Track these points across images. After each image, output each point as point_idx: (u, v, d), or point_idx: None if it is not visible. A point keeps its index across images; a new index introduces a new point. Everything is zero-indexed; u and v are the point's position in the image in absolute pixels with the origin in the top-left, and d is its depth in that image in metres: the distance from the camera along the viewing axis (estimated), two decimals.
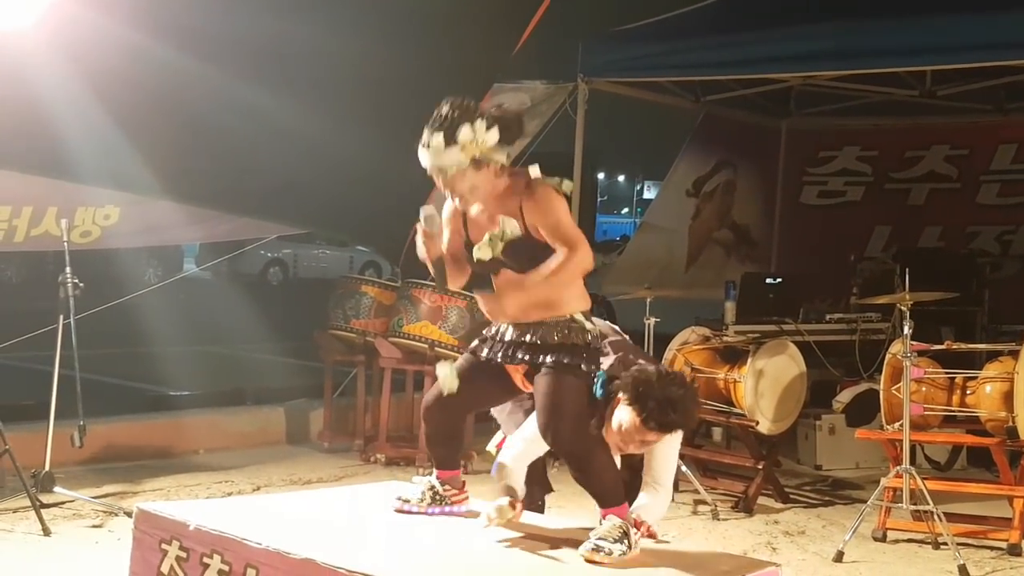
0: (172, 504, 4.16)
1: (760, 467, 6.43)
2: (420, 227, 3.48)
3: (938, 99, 9.27)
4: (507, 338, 3.56)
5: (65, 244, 5.84)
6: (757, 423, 6.41)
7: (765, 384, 6.44)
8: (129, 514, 5.02)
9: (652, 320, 6.61)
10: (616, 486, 3.55)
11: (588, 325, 3.55)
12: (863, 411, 7.10)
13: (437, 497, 3.78)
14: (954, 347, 5.90)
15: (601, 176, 29.49)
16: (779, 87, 9.60)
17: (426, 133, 3.37)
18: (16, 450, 5.38)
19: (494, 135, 3.36)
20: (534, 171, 3.42)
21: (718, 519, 6.12)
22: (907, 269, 5.72)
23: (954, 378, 5.90)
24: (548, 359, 3.47)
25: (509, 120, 3.43)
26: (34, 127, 5.97)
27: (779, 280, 8.36)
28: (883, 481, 5.66)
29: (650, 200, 30.67)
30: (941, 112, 9.81)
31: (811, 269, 9.22)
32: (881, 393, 5.92)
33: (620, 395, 3.73)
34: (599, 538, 3.37)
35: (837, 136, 10.73)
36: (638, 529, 3.52)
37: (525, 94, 8.37)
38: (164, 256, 19.19)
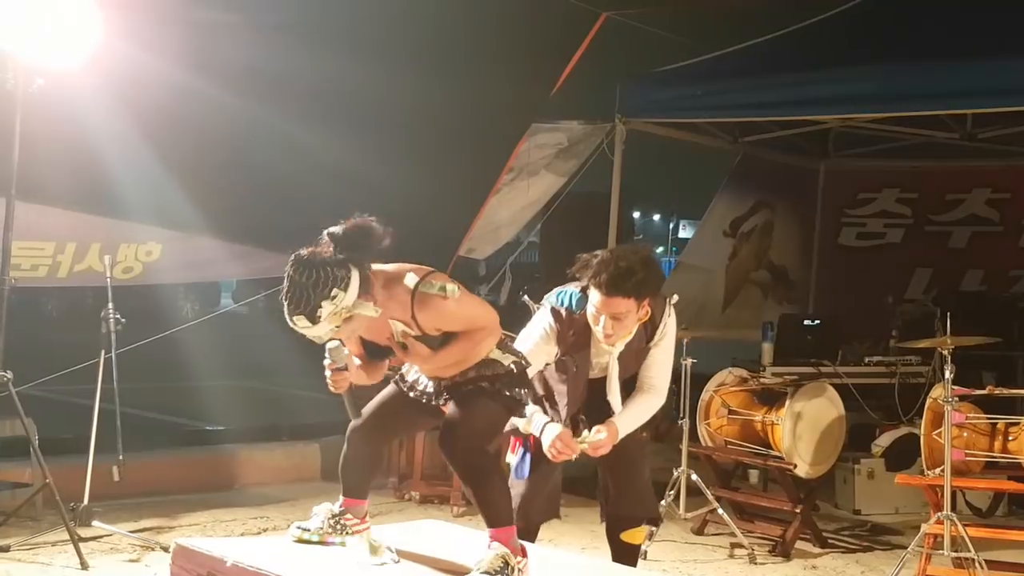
0: (209, 540, 4.17)
1: (798, 511, 6.36)
2: (326, 362, 3.42)
3: (979, 142, 9.21)
4: (429, 389, 3.61)
5: (108, 280, 5.90)
6: (795, 466, 6.36)
7: (803, 427, 6.40)
8: (166, 549, 5.05)
9: (689, 361, 6.57)
10: (507, 507, 3.50)
11: (499, 356, 3.51)
12: (903, 455, 7.02)
13: (338, 526, 3.72)
14: (996, 392, 5.83)
15: (637, 215, 29.48)
16: (818, 128, 9.57)
17: (287, 308, 3.19)
18: (55, 483, 5.41)
19: (352, 293, 3.20)
20: (411, 279, 3.31)
21: (755, 563, 6.06)
22: (948, 313, 5.67)
23: (996, 423, 5.83)
24: (467, 387, 3.50)
25: (355, 239, 3.29)
26: (79, 164, 6.08)
27: (817, 322, 8.31)
28: (924, 527, 5.58)
29: (685, 239, 30.58)
30: (982, 155, 9.73)
31: (849, 311, 9.14)
32: (922, 438, 5.85)
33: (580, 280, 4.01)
34: (483, 571, 3.34)
35: (876, 178, 10.67)
36: (524, 557, 3.46)
37: (563, 134, 8.39)
38: (201, 291, 19.27)
